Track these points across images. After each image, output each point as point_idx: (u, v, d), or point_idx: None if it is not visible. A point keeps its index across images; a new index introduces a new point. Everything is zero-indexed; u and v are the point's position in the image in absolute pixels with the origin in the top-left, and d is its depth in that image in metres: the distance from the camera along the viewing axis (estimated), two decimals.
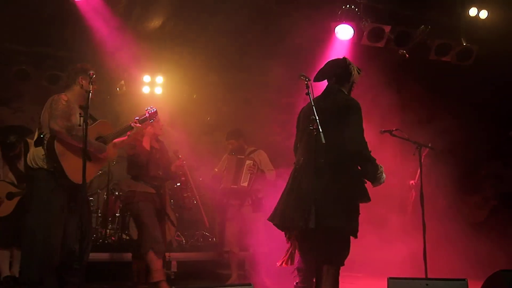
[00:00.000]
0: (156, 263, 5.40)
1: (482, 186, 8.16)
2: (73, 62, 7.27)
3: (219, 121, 9.21)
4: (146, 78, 8.79)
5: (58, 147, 4.39)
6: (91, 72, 4.46)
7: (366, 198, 4.10)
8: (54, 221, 4.39)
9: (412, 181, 7.60)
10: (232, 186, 6.42)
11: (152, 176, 5.65)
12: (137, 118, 4.97)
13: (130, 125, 4.88)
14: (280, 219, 4.11)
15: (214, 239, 8.18)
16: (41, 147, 4.45)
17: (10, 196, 5.88)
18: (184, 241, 7.91)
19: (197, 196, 7.52)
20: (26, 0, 6.37)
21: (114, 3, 6.44)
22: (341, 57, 4.36)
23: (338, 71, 4.27)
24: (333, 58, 4.42)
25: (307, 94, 3.99)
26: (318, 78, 4.35)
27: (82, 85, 4.60)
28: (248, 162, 6.44)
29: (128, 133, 4.91)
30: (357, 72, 4.30)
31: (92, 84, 4.42)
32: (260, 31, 7.05)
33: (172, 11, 6.98)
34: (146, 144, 5.55)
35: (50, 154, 4.39)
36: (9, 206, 5.86)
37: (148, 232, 5.46)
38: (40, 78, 8.00)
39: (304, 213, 3.83)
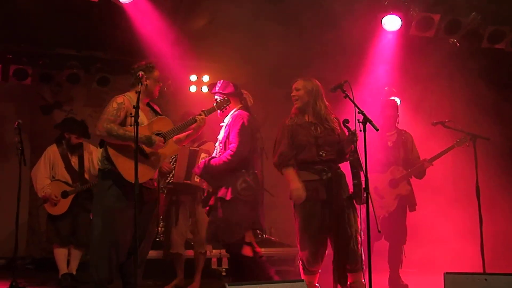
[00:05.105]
0: None
1: None
2: (121, 64, 7.49)
3: (266, 118, 9.18)
4: (193, 77, 8.86)
5: (110, 148, 4.41)
6: (140, 73, 4.48)
7: None
8: (116, 221, 4.35)
9: None
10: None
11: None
12: (203, 110, 4.76)
13: (194, 117, 4.68)
14: None
15: (264, 235, 8.13)
16: (102, 149, 4.51)
17: (64, 194, 6.06)
18: None
19: None
20: (74, 5, 6.51)
21: (161, 3, 6.50)
22: None
23: None
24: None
25: (346, 96, 4.33)
26: None
27: (146, 84, 4.58)
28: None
29: (192, 126, 4.70)
30: None
31: (141, 84, 4.41)
32: (306, 27, 6.97)
33: (217, 10, 6.99)
34: None
35: (106, 155, 4.44)
36: (64, 205, 6.04)
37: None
38: (90, 81, 8.19)
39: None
